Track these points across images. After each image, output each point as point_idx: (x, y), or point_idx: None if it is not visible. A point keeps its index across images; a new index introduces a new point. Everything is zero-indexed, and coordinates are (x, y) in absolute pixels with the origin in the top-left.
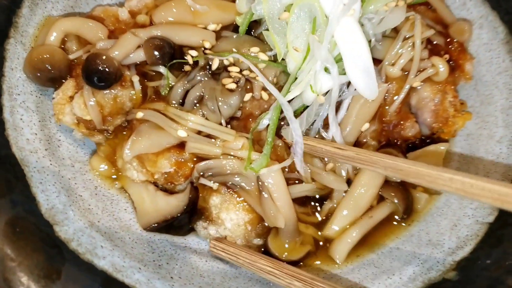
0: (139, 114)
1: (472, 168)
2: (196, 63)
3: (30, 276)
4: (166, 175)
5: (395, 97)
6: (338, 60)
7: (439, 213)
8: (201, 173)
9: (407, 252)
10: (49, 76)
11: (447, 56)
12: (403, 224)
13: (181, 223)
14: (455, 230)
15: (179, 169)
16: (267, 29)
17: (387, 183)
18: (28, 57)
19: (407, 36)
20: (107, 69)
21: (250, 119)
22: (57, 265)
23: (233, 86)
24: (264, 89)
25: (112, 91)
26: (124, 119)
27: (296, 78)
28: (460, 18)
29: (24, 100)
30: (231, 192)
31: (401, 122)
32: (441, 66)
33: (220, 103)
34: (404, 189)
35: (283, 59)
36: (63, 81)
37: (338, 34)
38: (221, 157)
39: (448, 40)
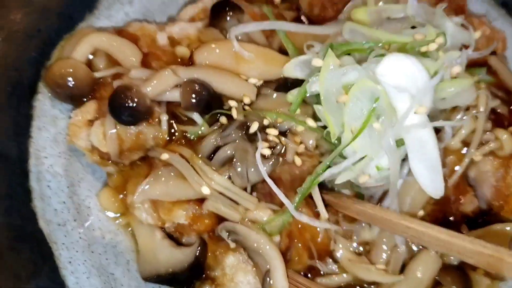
0: (164, 156)
1: None
2: (231, 117)
3: None
4: (177, 225)
5: (455, 169)
6: (400, 144)
7: None
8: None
9: None
10: (68, 93)
11: None
12: None
13: (183, 278)
14: None
15: (193, 223)
16: (319, 103)
17: (444, 267)
18: (49, 70)
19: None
20: (136, 107)
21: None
22: None
23: (267, 152)
24: (298, 153)
25: (137, 126)
26: (143, 155)
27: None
28: None
29: (51, 163)
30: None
31: (459, 197)
32: (505, 140)
33: (250, 169)
34: (463, 273)
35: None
36: (84, 99)
37: (405, 130)
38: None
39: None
